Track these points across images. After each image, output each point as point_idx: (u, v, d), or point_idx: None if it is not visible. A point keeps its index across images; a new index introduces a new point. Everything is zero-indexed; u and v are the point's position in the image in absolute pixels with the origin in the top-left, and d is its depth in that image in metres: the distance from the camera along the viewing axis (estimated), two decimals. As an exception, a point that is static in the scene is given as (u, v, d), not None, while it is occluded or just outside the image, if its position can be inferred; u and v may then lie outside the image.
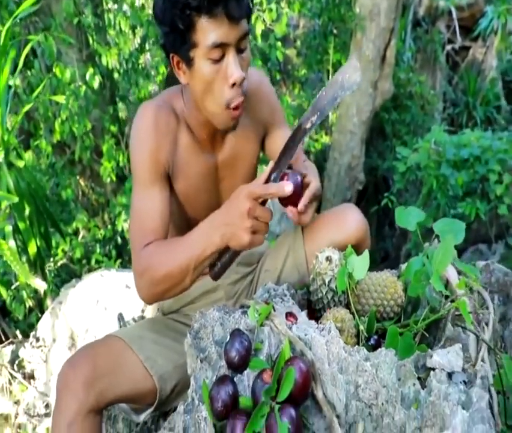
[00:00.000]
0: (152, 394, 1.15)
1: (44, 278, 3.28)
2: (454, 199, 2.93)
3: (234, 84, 1.00)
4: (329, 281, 1.06)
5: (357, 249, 1.09)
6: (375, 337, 1.01)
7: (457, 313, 0.95)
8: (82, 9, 4.41)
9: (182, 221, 1.22)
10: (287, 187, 0.86)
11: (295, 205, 0.98)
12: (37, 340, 2.69)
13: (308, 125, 0.87)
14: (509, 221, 2.95)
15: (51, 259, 4.57)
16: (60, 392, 1.05)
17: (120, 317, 1.94)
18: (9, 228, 2.87)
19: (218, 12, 0.94)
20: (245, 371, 0.87)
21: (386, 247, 5.58)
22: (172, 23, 0.97)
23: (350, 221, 1.20)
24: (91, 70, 3.92)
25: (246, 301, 1.07)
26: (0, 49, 2.72)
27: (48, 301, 3.38)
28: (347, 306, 1.09)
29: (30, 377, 2.64)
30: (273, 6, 3.41)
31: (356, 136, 4.53)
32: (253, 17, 3.75)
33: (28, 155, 4.32)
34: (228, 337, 0.89)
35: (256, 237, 0.89)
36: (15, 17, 2.93)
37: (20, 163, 3.05)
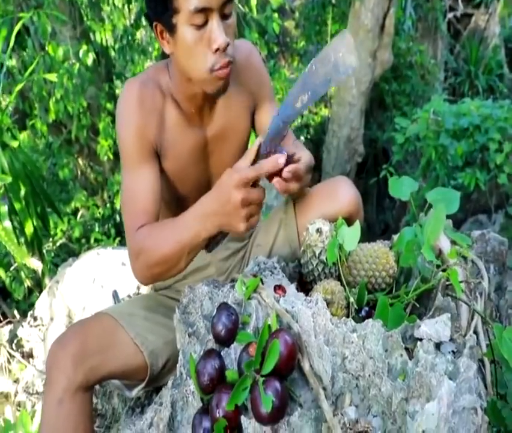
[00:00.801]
0: (143, 370, 1.14)
1: (42, 258, 3.28)
2: (453, 170, 2.89)
3: (217, 49, 0.97)
4: (319, 253, 1.04)
5: (350, 223, 1.07)
6: (366, 308, 0.99)
7: (448, 282, 0.93)
8: (74, -16, 4.32)
9: (171, 198, 1.20)
10: (280, 159, 0.84)
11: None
12: (35, 319, 2.70)
13: (299, 105, 0.82)
14: (509, 190, 2.91)
15: (51, 238, 4.57)
16: (49, 370, 1.05)
17: (115, 295, 1.93)
18: (4, 209, 2.85)
19: None
20: (232, 345, 0.86)
21: (386, 219, 5.55)
22: None
23: (342, 194, 1.17)
24: (84, 47, 3.86)
25: (236, 275, 1.05)
26: (-11, 26, 2.65)
27: (46, 280, 3.38)
28: (339, 278, 1.07)
29: (28, 356, 2.66)
30: (268, -25, 3.31)
31: (355, 107, 4.46)
32: (247, -13, 3.65)
33: (24, 135, 4.28)
34: (215, 311, 0.88)
35: (251, 221, 0.88)
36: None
37: (15, 144, 3.01)
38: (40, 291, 3.34)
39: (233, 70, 1.09)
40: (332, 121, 4.74)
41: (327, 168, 4.90)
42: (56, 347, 1.06)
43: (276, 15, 3.87)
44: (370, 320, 0.77)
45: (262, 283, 0.94)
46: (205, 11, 0.94)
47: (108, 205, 4.97)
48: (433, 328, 0.72)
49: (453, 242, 1.05)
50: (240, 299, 0.93)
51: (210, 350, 0.84)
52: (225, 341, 0.86)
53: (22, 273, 3.29)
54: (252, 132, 1.27)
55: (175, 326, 1.03)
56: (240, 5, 3.90)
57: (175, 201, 1.20)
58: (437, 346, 0.72)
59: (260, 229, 1.34)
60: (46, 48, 3.66)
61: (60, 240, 4.74)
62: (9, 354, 2.65)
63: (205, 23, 0.96)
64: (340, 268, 1.03)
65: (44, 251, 3.62)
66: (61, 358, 1.03)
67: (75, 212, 5.20)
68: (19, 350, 2.69)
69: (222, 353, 0.86)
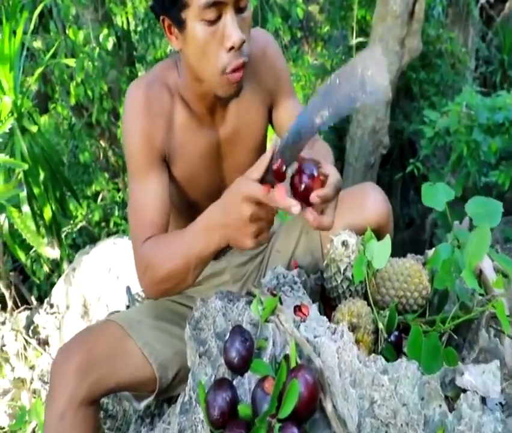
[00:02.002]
0: (152, 382, 1.08)
1: (60, 243, 3.27)
2: (485, 167, 2.73)
3: (231, 48, 0.87)
4: (345, 269, 0.94)
5: (378, 235, 0.97)
6: (396, 333, 0.90)
7: (491, 310, 0.82)
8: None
9: (182, 204, 1.12)
10: (294, 208, 0.73)
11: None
12: (51, 306, 2.69)
13: (318, 120, 0.70)
14: (546, 190, 2.75)
15: (72, 222, 4.56)
16: (52, 381, 0.99)
17: (128, 290, 1.88)
18: (23, 194, 2.83)
19: None
20: (246, 374, 0.78)
21: (411, 213, 5.38)
22: None
23: (370, 203, 1.07)
24: (104, 31, 3.79)
25: (252, 288, 0.97)
26: (10, 9, 2.60)
27: (64, 265, 3.36)
28: (365, 296, 0.98)
29: (44, 343, 2.65)
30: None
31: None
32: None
33: (44, 119, 4.25)
34: (228, 334, 0.79)
35: (260, 238, 0.80)
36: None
37: (33, 128, 2.98)
38: (59, 275, 3.33)
39: (248, 64, 1.00)
40: (357, 111, 4.58)
41: (350, 159, 4.76)
42: (60, 358, 1.01)
43: (300, -1, 3.73)
44: (404, 360, 0.68)
45: (281, 302, 0.86)
46: (218, 4, 0.85)
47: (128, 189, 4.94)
48: (480, 378, 0.62)
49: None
50: (256, 319, 0.85)
51: (221, 380, 0.76)
52: (238, 369, 0.78)
53: (42, 259, 3.28)
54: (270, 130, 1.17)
55: (186, 342, 0.95)
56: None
57: (186, 207, 1.12)
58: (483, 398, 0.63)
59: (280, 233, 1.24)
60: (67, 31, 3.61)
61: (80, 223, 4.74)
62: (26, 340, 2.64)
63: (218, 18, 0.86)
64: (367, 286, 0.93)
65: (63, 236, 3.60)
66: (64, 369, 0.98)
67: (96, 195, 5.20)
68: (35, 336, 2.68)
69: (234, 382, 0.77)
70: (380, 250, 0.90)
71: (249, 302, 0.92)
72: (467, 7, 5.66)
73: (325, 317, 0.83)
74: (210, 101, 1.01)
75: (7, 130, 2.24)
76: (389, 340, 0.89)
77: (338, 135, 5.31)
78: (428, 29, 4.83)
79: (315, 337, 0.75)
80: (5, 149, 2.92)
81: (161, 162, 1.01)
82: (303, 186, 0.75)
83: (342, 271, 0.94)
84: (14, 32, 2.71)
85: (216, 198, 1.14)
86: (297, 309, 0.85)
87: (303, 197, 0.75)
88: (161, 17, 0.92)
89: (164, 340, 1.10)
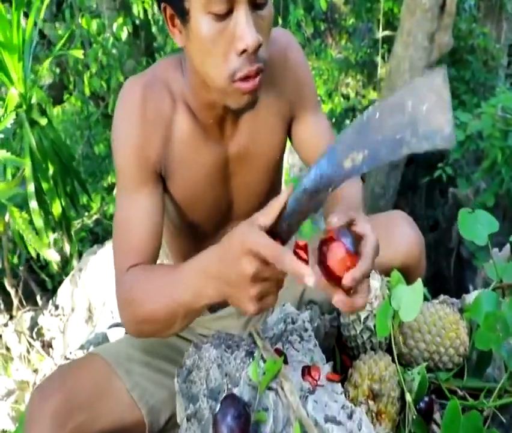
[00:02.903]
0: (141, 427, 0.94)
1: (70, 240, 3.18)
2: (520, 174, 2.53)
3: (243, 51, 0.70)
4: (366, 318, 0.79)
5: (407, 275, 0.81)
6: (426, 399, 0.74)
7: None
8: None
9: (184, 224, 0.98)
10: (308, 279, 0.56)
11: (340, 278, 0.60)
12: (56, 307, 2.59)
13: (348, 164, 0.52)
14: None
15: (86, 214, 4.49)
16: (27, 426, 0.87)
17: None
18: (31, 189, 2.73)
19: None
20: (240, 456, 0.63)
21: (436, 215, 5.15)
22: None
23: (398, 236, 0.90)
24: (119, 20, 3.67)
25: (255, 333, 0.82)
26: (18, -2, 2.48)
27: (74, 262, 3.28)
28: (389, 348, 0.82)
29: (48, 345, 2.56)
30: None
31: (408, 94, 4.08)
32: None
33: (57, 110, 4.16)
34: (219, 405, 0.65)
35: (264, 302, 0.63)
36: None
37: (43, 121, 2.87)
38: (67, 274, 3.24)
39: (265, 70, 0.84)
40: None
41: (373, 158, 4.56)
42: (36, 398, 0.88)
43: (325, -10, 3.54)
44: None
45: (286, 361, 0.70)
46: None
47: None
48: None
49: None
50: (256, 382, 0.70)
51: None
52: (231, 449, 0.64)
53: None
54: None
55: (176, 395, 0.81)
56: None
57: (188, 227, 0.97)
58: None
59: (291, 261, 1.09)
60: (79, 20, 3.50)
61: (95, 215, 4.67)
62: (29, 343, 2.56)
63: (229, 12, 0.70)
64: (392, 338, 0.78)
65: (75, 230, 3.50)
66: (41, 413, 0.85)
67: (112, 188, 5.13)
68: (39, 339, 2.60)
69: (225, 464, 0.63)
70: (410, 298, 0.74)
71: (250, 353, 0.78)
72: (500, 1, 5.38)
73: (340, 386, 0.67)
74: (219, 111, 0.85)
75: (9, 125, 2.12)
76: (418, 406, 0.73)
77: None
78: (459, 24, 4.58)
79: (325, 420, 0.60)
80: (13, 142, 2.83)
81: (156, 177, 0.86)
82: (334, 261, 0.59)
83: (362, 320, 0.79)
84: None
85: (222, 220, 0.97)
86: (306, 371, 0.70)
87: (331, 274, 0.59)
88: (162, 5, 0.76)
89: (157, 379, 0.97)
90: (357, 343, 0.82)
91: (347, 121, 5.21)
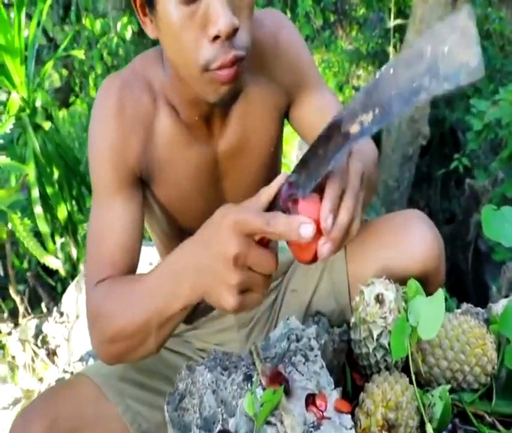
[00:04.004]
0: (135, 454, 0.87)
1: (77, 244, 3.15)
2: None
3: (216, 37, 0.62)
4: (379, 335, 0.69)
5: (425, 283, 0.72)
6: (450, 425, 0.65)
7: None
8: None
9: (173, 231, 0.90)
10: (305, 229, 0.48)
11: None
12: (61, 314, 2.54)
13: (354, 129, 0.45)
14: None
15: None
16: None
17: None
18: (35, 195, 2.69)
19: None
20: None
21: (452, 208, 4.99)
22: None
23: (415, 240, 0.80)
24: (123, 20, 3.61)
25: (254, 352, 0.73)
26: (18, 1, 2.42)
27: (81, 266, 3.24)
28: (406, 367, 0.73)
29: (53, 353, 2.51)
30: None
31: (421, 83, 3.95)
32: None
33: (63, 113, 4.11)
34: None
35: (248, 298, 0.54)
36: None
37: (46, 125, 2.83)
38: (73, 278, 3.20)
39: (255, 56, 0.74)
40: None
41: (387, 149, 4.44)
42: (20, 426, 0.80)
43: (333, -21, 3.44)
44: None
45: (288, 391, 0.62)
46: None
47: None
48: None
49: None
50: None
51: None
52: None
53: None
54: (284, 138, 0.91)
55: (167, 424, 0.73)
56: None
57: (177, 234, 0.89)
58: None
59: (297, 268, 0.99)
60: (83, 21, 3.45)
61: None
62: (34, 352, 2.51)
63: None
64: (410, 356, 0.68)
65: (78, 237, 3.46)
66: None
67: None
68: (44, 346, 2.55)
69: None
70: (430, 312, 0.65)
71: (249, 377, 0.69)
72: (514, -17, 5.21)
73: (349, 419, 0.58)
74: (204, 108, 0.77)
75: (8, 130, 2.06)
76: (440, 435, 0.64)
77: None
78: (474, 8, 4.43)
79: (332, 465, 0.51)
80: (17, 147, 2.78)
81: (134, 183, 0.78)
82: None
83: (375, 337, 0.69)
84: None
85: None
86: (311, 400, 0.61)
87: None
88: None
89: (152, 401, 0.89)
90: (370, 362, 0.73)
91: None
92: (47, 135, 2.84)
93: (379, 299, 0.70)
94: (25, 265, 3.29)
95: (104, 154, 0.76)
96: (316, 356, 0.70)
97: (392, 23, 4.56)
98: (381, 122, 0.44)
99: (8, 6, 3.78)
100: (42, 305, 2.70)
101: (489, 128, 2.52)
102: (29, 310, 2.61)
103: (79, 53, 2.53)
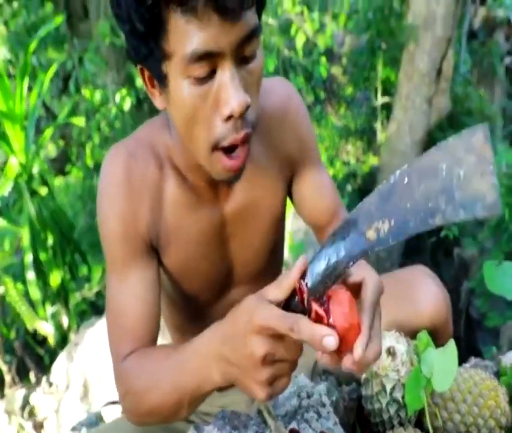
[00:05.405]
0: None
1: (68, 312, 3.10)
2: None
3: (230, 117, 0.64)
4: (392, 389, 0.69)
5: (434, 337, 0.73)
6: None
7: None
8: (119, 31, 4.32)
9: (179, 297, 0.90)
10: (329, 341, 0.49)
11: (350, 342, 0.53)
12: (50, 385, 2.45)
13: (371, 235, 0.46)
14: None
15: (87, 283, 4.41)
16: None
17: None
18: (28, 260, 2.68)
19: (201, 2, 0.57)
20: None
21: (443, 277, 5.02)
22: (132, 20, 0.61)
23: (424, 294, 0.82)
24: (123, 92, 3.75)
25: (265, 410, 0.72)
26: (20, 69, 2.54)
27: (71, 336, 3.16)
28: (417, 422, 0.72)
29: (40, 426, 2.40)
30: (316, 15, 3.09)
31: (409, 157, 4.09)
32: (293, 29, 3.44)
33: (59, 181, 4.16)
34: None
35: (277, 386, 0.55)
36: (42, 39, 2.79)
37: (43, 191, 2.86)
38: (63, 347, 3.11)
39: (263, 124, 0.78)
40: (382, 171, 4.38)
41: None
42: None
43: (324, 58, 3.64)
44: None
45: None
46: (210, 56, 0.61)
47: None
48: None
49: None
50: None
51: None
52: None
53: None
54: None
55: None
56: (285, 49, 3.70)
57: (184, 300, 0.89)
58: None
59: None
60: (82, 92, 3.58)
61: (96, 288, 4.57)
62: (20, 425, 2.40)
63: (212, 73, 0.63)
64: (426, 410, 0.68)
65: (76, 301, 3.40)
66: None
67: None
68: (31, 418, 2.44)
69: None
70: (443, 363, 0.65)
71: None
72: (491, 66, 5.57)
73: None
74: (210, 174, 0.78)
75: (6, 193, 2.09)
76: None
77: (362, 195, 5.09)
78: (455, 88, 4.69)
79: None
80: (12, 211, 2.79)
81: (147, 251, 0.79)
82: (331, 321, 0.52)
83: (388, 391, 0.69)
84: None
85: (221, 288, 0.90)
86: (327, 455, 0.59)
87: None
88: (138, 66, 0.70)
89: None
90: (383, 419, 0.72)
91: (349, 187, 5.21)
92: (43, 201, 2.86)
93: (391, 352, 0.70)
94: (12, 334, 3.20)
95: (115, 228, 0.76)
96: (328, 412, 0.70)
97: (379, 101, 4.78)
98: (398, 236, 0.44)
99: (10, 76, 3.92)
100: (31, 375, 2.61)
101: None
102: (16, 380, 2.51)
103: (80, 121, 2.61)
